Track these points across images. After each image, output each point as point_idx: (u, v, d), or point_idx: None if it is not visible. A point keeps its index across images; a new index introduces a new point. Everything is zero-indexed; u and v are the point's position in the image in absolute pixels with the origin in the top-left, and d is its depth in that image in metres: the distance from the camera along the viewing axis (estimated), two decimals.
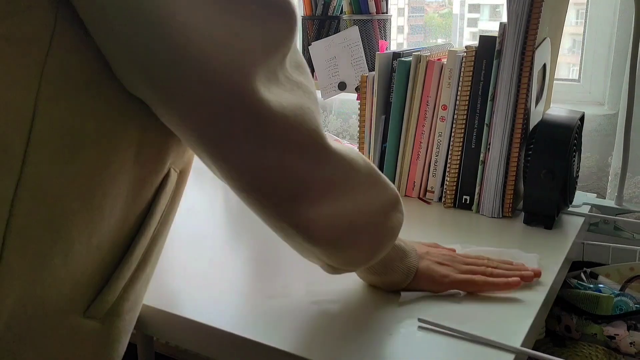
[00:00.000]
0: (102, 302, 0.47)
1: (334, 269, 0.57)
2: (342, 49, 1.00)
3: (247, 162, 0.44)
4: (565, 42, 1.07)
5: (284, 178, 0.45)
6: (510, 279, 0.62)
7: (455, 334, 0.54)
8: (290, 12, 0.43)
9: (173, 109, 0.42)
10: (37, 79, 0.40)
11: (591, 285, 0.79)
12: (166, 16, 0.38)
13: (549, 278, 0.66)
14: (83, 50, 0.41)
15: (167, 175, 0.50)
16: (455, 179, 0.88)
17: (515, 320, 0.57)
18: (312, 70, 1.07)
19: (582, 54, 1.10)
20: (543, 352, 0.54)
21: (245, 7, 0.41)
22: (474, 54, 0.83)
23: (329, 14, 1.07)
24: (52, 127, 0.41)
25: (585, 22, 1.08)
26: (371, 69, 1.01)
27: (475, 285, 0.61)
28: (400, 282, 0.61)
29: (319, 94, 1.04)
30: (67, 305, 0.45)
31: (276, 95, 0.43)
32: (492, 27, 1.30)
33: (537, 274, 0.64)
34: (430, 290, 0.61)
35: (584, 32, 1.09)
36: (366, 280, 0.63)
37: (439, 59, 0.90)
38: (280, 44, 0.43)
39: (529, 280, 0.63)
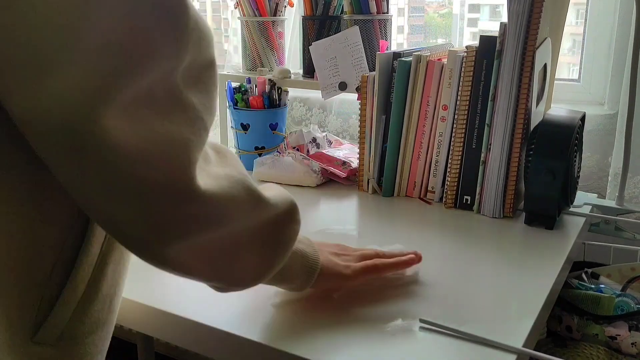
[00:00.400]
0: (50, 327, 0.44)
1: (221, 289, 0.52)
2: (342, 49, 1.00)
3: (99, 207, 0.37)
4: (565, 42, 1.07)
5: (140, 223, 0.38)
6: (406, 257, 0.62)
7: (456, 334, 0.54)
8: (184, 27, 0.36)
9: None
10: None
11: (592, 286, 0.79)
12: None
13: (550, 278, 0.66)
14: None
15: None
16: (456, 179, 0.88)
17: (516, 320, 0.57)
18: (313, 71, 1.06)
19: (582, 54, 1.10)
20: (544, 353, 0.53)
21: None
22: (474, 54, 0.83)
23: (329, 14, 1.07)
24: None
25: (585, 22, 1.08)
26: (372, 69, 1.00)
27: (377, 269, 0.60)
28: (304, 284, 0.57)
29: (319, 93, 1.04)
30: (11, 330, 0.42)
31: (137, 119, 0.34)
32: (492, 27, 1.30)
33: (417, 255, 0.64)
34: (338, 286, 0.59)
35: (584, 32, 1.09)
36: (271, 285, 0.56)
37: (439, 59, 0.90)
38: (165, 57, 0.36)
39: (418, 259, 0.64)
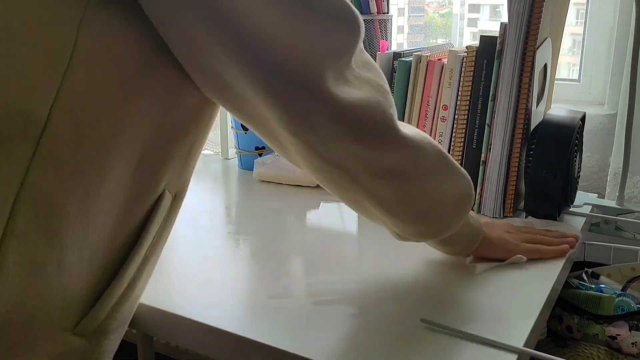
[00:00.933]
0: (92, 319, 0.47)
1: (401, 237, 0.63)
2: None
3: (320, 147, 0.48)
4: (565, 42, 1.07)
5: (354, 162, 0.50)
6: (562, 246, 0.71)
7: (457, 334, 0.54)
8: (355, 25, 0.46)
9: (260, 88, 0.45)
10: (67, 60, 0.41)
11: (592, 286, 0.79)
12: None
13: (550, 278, 0.66)
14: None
15: (162, 196, 0.50)
16: None
17: (517, 320, 0.57)
18: None
19: (582, 54, 1.10)
20: (545, 353, 0.53)
21: (316, 20, 0.44)
22: (474, 54, 0.83)
23: None
24: (69, 115, 0.41)
25: (585, 22, 1.08)
26: None
27: (540, 253, 0.70)
28: (462, 252, 0.68)
29: None
30: (58, 320, 0.45)
31: (345, 92, 0.46)
32: (492, 27, 1.30)
33: (577, 239, 0.73)
34: (501, 258, 0.68)
35: (584, 32, 1.09)
36: (430, 245, 0.68)
37: (439, 59, 0.90)
38: (345, 52, 0.46)
39: (574, 245, 0.72)
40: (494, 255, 0.69)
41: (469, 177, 0.62)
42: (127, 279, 0.49)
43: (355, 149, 0.49)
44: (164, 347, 1.56)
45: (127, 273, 0.48)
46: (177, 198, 0.53)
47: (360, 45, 0.49)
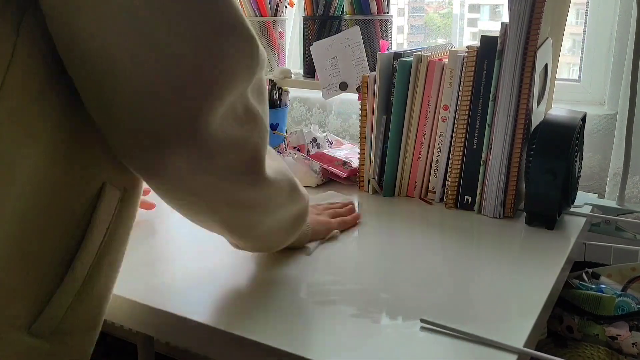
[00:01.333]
0: (47, 319, 0.46)
1: (239, 248, 0.67)
2: (343, 49, 1.00)
3: (179, 181, 0.48)
4: (565, 42, 1.07)
5: (214, 193, 0.51)
6: (355, 214, 0.83)
7: (457, 334, 0.54)
8: (256, 56, 0.47)
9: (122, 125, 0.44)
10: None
11: (593, 286, 0.79)
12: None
13: (550, 278, 0.66)
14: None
15: (103, 190, 0.48)
16: (457, 179, 0.88)
17: (517, 320, 0.57)
18: (314, 71, 1.06)
19: (582, 54, 1.10)
20: (545, 353, 0.53)
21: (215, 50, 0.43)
22: (475, 54, 0.83)
23: (330, 14, 1.07)
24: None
25: (585, 22, 1.08)
26: (372, 69, 1.00)
27: (345, 224, 0.80)
28: (302, 243, 0.73)
29: (319, 93, 1.04)
30: (6, 318, 0.44)
31: (225, 128, 0.46)
32: (492, 27, 1.30)
33: (352, 204, 0.87)
34: (320, 237, 0.76)
35: (584, 32, 1.09)
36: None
37: (440, 59, 0.90)
38: (244, 81, 0.46)
39: (354, 210, 0.85)
40: (319, 237, 0.76)
41: (307, 193, 0.66)
42: (80, 277, 0.47)
43: (219, 184, 0.50)
44: (164, 347, 1.56)
45: (78, 270, 0.47)
46: (130, 194, 0.51)
47: (261, 74, 0.49)
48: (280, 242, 0.67)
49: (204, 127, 0.44)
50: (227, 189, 0.51)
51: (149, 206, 0.84)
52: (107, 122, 0.44)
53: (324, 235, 0.77)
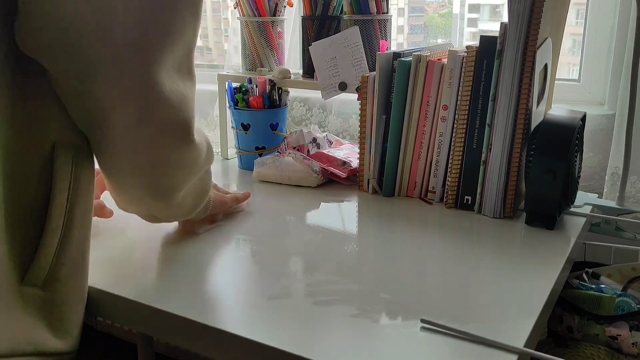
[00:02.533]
0: (36, 270, 0.53)
1: (155, 219, 0.70)
2: (342, 49, 1.00)
3: (122, 138, 0.54)
4: (565, 42, 1.06)
5: (146, 156, 0.56)
6: (245, 192, 0.90)
7: (457, 334, 0.54)
8: (200, 17, 0.54)
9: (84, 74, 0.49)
10: None
11: (593, 286, 0.79)
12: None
13: (550, 278, 0.66)
14: None
15: (55, 149, 0.54)
16: (457, 179, 0.88)
17: (517, 320, 0.57)
18: (313, 71, 1.06)
19: (582, 54, 1.10)
20: (545, 353, 0.53)
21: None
22: (474, 54, 0.83)
23: (329, 14, 1.07)
24: None
25: (585, 22, 1.08)
26: (372, 69, 1.00)
27: (238, 200, 0.86)
28: (205, 213, 0.78)
29: (320, 93, 1.04)
30: (2, 274, 0.51)
31: (172, 81, 0.53)
32: (492, 27, 1.30)
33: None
34: (216, 210, 0.81)
35: (584, 32, 1.09)
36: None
37: (439, 59, 0.90)
38: (192, 38, 0.54)
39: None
40: (216, 210, 0.80)
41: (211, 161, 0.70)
42: (56, 227, 0.54)
43: (152, 142, 0.55)
44: (164, 347, 1.56)
45: (53, 222, 0.54)
46: (81, 152, 0.56)
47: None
48: (194, 208, 0.71)
49: (153, 75, 0.50)
50: (159, 148, 0.55)
51: (109, 214, 0.83)
52: (64, 68, 0.50)
53: (220, 210, 0.82)
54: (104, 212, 0.82)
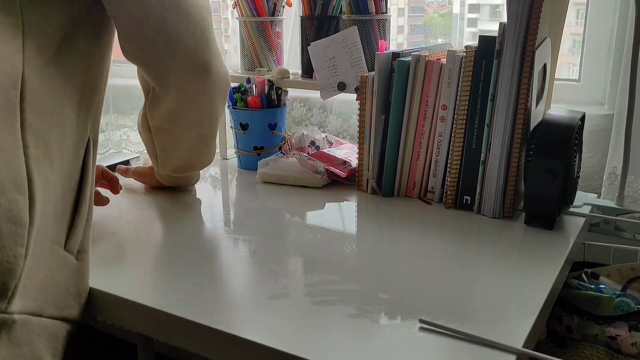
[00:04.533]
0: (73, 238, 0.61)
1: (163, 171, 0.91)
2: (341, 49, 1.00)
3: (197, 99, 0.77)
4: (565, 42, 1.06)
5: (207, 110, 0.79)
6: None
7: (456, 334, 0.54)
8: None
9: None
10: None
11: (592, 286, 0.79)
12: None
13: (549, 278, 0.66)
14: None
15: (89, 142, 0.65)
16: (456, 179, 0.88)
17: (516, 320, 0.57)
18: (312, 71, 1.06)
19: (582, 54, 1.10)
20: (544, 353, 0.53)
21: None
22: (473, 54, 0.83)
23: (328, 14, 1.07)
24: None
25: (585, 22, 1.08)
26: (371, 69, 1.00)
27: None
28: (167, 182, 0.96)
29: (319, 94, 1.04)
30: (54, 237, 0.58)
31: (220, 60, 0.71)
32: (492, 27, 1.30)
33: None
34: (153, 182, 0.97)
35: (584, 32, 1.09)
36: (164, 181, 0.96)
37: (438, 59, 0.90)
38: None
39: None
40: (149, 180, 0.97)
41: None
42: (86, 205, 0.63)
43: (212, 101, 0.77)
44: (164, 347, 1.56)
45: (84, 201, 0.63)
46: (95, 143, 0.66)
47: None
48: (205, 162, 0.90)
49: (214, 59, 0.72)
50: (216, 104, 0.76)
51: (104, 201, 0.89)
52: (156, 54, 0.69)
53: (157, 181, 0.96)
54: (101, 199, 0.88)
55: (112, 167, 0.99)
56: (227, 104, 1.13)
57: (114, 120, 1.27)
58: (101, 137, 1.18)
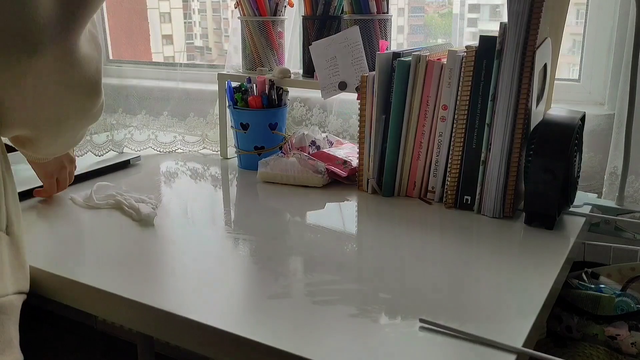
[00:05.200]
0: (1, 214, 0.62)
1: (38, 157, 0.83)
2: (342, 48, 1.00)
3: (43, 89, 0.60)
4: (565, 42, 1.06)
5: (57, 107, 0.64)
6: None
7: (456, 334, 0.54)
8: None
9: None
10: None
11: (592, 286, 0.79)
12: None
13: (550, 278, 0.66)
14: None
15: None
16: (456, 179, 0.88)
17: (516, 320, 0.57)
18: (313, 70, 1.06)
19: (582, 54, 1.10)
20: (544, 353, 0.53)
21: None
22: (474, 54, 0.83)
23: (329, 13, 1.07)
24: None
25: (585, 22, 1.08)
26: (371, 68, 1.00)
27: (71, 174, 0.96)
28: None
29: (319, 93, 1.04)
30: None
31: (83, 44, 0.60)
32: (492, 27, 1.30)
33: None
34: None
35: (584, 32, 1.09)
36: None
37: (438, 59, 0.90)
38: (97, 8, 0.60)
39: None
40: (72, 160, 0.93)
41: None
42: (1, 180, 0.63)
43: (68, 94, 0.63)
44: (164, 347, 1.56)
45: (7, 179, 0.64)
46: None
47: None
48: (69, 148, 0.81)
49: (74, 38, 0.58)
50: (74, 97, 0.63)
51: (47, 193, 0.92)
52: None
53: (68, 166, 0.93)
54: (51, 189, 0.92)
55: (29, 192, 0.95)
56: (228, 104, 1.13)
57: (122, 120, 1.27)
58: (102, 137, 1.19)
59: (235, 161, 1.18)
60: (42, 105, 0.62)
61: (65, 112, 0.65)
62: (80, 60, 0.60)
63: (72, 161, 0.94)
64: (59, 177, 0.93)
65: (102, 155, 1.16)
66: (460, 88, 0.86)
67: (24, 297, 0.65)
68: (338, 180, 1.02)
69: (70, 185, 0.96)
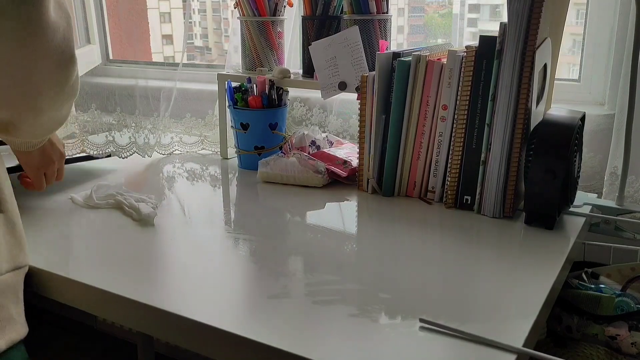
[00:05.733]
0: None
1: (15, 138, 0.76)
2: (342, 48, 1.00)
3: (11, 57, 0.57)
4: (565, 42, 1.06)
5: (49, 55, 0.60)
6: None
7: (456, 334, 0.54)
8: None
9: None
10: None
11: (592, 286, 0.79)
12: None
13: (550, 278, 0.66)
14: None
15: None
16: (456, 179, 0.88)
17: (516, 320, 0.57)
18: (312, 70, 1.06)
19: (582, 54, 1.10)
20: (544, 353, 0.53)
21: None
22: (474, 54, 0.83)
23: (329, 13, 1.07)
24: None
25: (585, 22, 1.08)
26: (371, 68, 1.00)
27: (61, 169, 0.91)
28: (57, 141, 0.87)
29: (319, 94, 1.04)
30: None
31: (51, 11, 0.58)
32: (492, 27, 1.30)
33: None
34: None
35: (584, 32, 1.09)
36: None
37: (438, 59, 0.90)
38: None
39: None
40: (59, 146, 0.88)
41: None
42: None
43: (37, 63, 0.59)
44: (164, 347, 1.56)
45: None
46: None
47: None
48: (53, 129, 0.74)
49: (39, 3, 0.56)
50: (43, 68, 0.60)
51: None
52: None
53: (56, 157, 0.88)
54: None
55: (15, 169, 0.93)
56: (228, 104, 1.13)
57: (122, 120, 1.27)
58: (102, 138, 1.19)
59: (235, 161, 1.18)
60: (10, 76, 0.59)
61: (38, 86, 0.61)
62: (45, 28, 0.57)
63: (62, 156, 0.90)
64: (47, 172, 0.89)
65: (102, 155, 1.16)
66: (460, 88, 0.86)
67: (24, 270, 0.66)
68: (338, 180, 1.02)
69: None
